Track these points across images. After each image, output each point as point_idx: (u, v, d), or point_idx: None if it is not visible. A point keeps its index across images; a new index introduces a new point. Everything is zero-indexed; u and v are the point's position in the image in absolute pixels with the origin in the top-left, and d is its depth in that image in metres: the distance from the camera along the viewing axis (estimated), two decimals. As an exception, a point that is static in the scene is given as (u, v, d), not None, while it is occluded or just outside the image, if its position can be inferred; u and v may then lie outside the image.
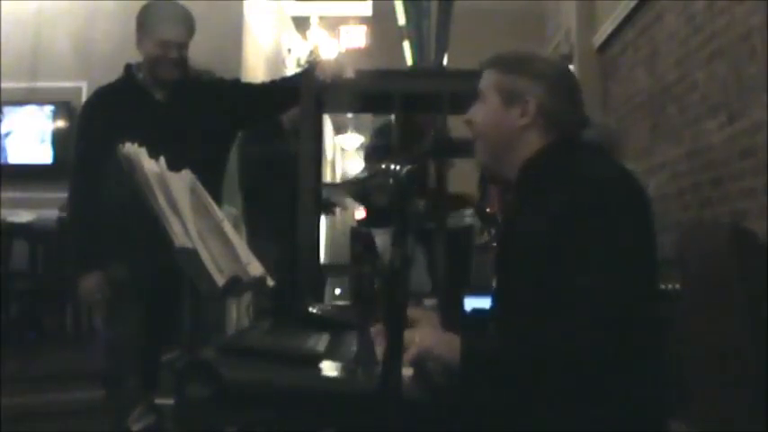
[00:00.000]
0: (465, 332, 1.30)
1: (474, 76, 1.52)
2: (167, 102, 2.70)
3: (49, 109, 6.25)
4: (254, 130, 3.98)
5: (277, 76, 9.23)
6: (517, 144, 1.44)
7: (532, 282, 1.32)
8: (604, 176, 1.34)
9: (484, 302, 1.61)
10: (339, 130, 13.30)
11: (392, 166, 1.25)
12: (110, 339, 2.64)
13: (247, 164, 3.92)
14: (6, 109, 6.11)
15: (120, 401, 2.74)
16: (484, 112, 1.47)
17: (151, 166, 1.56)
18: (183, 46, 2.67)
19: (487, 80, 1.48)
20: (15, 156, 6.13)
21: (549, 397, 1.25)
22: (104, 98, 2.71)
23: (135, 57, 2.85)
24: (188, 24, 2.69)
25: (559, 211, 1.28)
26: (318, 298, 2.98)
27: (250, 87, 3.16)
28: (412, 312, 1.31)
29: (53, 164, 5.96)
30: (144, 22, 2.65)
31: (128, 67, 2.74)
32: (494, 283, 1.48)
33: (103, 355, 2.71)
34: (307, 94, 3.27)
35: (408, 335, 1.21)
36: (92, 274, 2.53)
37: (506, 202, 1.53)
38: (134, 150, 1.54)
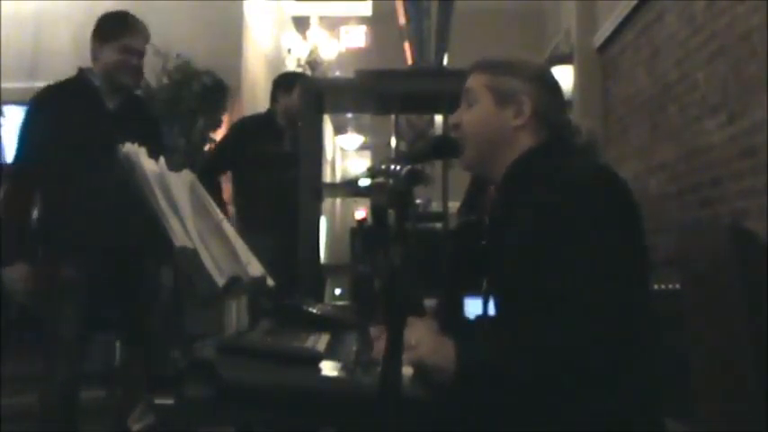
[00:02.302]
0: (459, 339, 1.28)
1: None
2: (118, 112, 2.78)
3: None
4: (246, 128, 3.97)
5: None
6: (508, 145, 1.43)
7: (521, 282, 1.31)
8: (589, 177, 1.33)
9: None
10: (339, 130, 13.30)
11: (392, 166, 1.25)
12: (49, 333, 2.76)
13: (240, 162, 3.86)
14: (6, 109, 6.11)
15: (123, 401, 2.78)
16: (475, 114, 1.45)
17: (151, 165, 1.56)
18: (142, 54, 2.81)
19: (477, 82, 1.47)
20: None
21: (546, 399, 1.24)
22: (54, 96, 2.77)
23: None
24: (147, 34, 2.82)
25: (545, 210, 1.28)
26: (318, 298, 2.98)
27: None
28: (410, 324, 1.28)
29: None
30: (105, 29, 2.77)
31: (82, 71, 2.81)
32: (484, 285, 1.48)
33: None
34: (307, 95, 3.27)
35: (404, 337, 1.19)
36: (15, 266, 2.63)
37: (492, 203, 1.52)
38: (134, 150, 1.54)
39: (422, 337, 1.29)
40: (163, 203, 1.49)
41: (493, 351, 1.27)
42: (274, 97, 3.92)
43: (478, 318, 1.58)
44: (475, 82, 1.47)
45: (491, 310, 1.48)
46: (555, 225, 1.26)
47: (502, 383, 1.25)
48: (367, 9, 8.96)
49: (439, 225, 3.50)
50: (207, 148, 6.47)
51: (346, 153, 15.00)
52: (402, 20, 4.49)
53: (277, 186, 3.60)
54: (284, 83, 3.92)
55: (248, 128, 3.96)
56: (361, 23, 9.34)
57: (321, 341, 1.47)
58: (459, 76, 1.54)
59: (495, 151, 1.45)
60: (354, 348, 1.47)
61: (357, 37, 9.40)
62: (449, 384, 1.23)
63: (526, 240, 1.30)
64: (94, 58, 2.76)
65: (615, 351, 1.23)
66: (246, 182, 3.82)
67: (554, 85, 1.49)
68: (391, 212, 1.20)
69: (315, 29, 9.07)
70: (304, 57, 9.02)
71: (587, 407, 1.24)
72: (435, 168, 3.68)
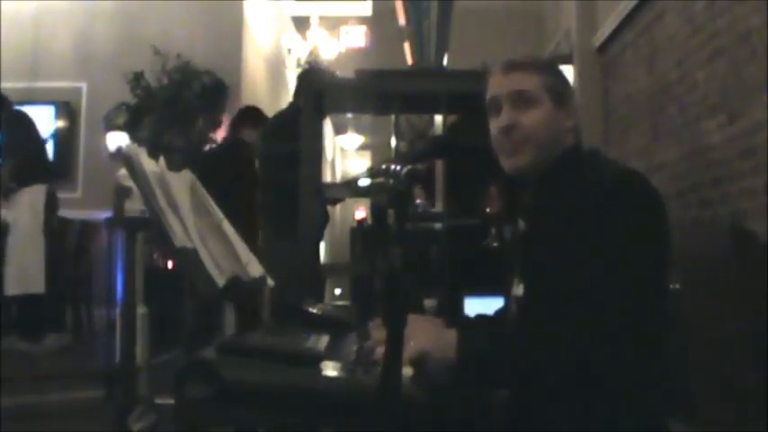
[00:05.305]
0: (461, 331, 1.28)
1: (474, 75, 1.50)
2: None
3: (49, 109, 6.26)
4: (273, 127, 3.98)
5: (277, 77, 9.25)
6: (558, 146, 1.41)
7: (555, 280, 1.30)
8: (632, 179, 1.33)
9: (485, 304, 1.61)
10: (339, 130, 13.30)
11: (392, 166, 1.25)
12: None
13: (269, 162, 3.83)
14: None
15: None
16: (538, 115, 1.39)
17: (151, 165, 1.56)
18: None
19: (533, 82, 1.40)
20: (15, 156, 6.13)
21: (549, 396, 1.25)
22: None
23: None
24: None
25: (581, 210, 1.28)
26: (318, 298, 2.99)
27: None
28: (412, 318, 1.28)
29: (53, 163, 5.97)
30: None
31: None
32: (515, 286, 1.46)
33: None
34: (307, 94, 3.27)
35: (405, 334, 1.19)
36: None
37: (528, 202, 1.49)
38: (134, 150, 1.54)
39: (423, 328, 1.30)
40: (163, 203, 1.49)
41: (494, 340, 1.28)
42: (299, 93, 3.89)
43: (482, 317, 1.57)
44: (530, 82, 1.40)
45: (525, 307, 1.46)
46: (599, 224, 1.26)
47: (501, 373, 1.25)
48: (367, 9, 8.97)
49: (439, 225, 3.50)
50: (206, 147, 6.48)
51: (346, 153, 15.00)
52: (402, 20, 4.49)
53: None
54: (311, 78, 3.91)
55: (281, 126, 3.95)
56: (361, 23, 9.34)
57: (321, 341, 1.47)
58: (458, 76, 1.54)
59: (549, 153, 1.40)
60: (354, 348, 1.47)
61: (357, 37, 9.40)
62: (450, 374, 1.23)
63: (568, 239, 1.28)
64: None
65: (629, 351, 1.23)
66: (274, 180, 3.78)
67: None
68: (391, 212, 1.19)
69: (315, 29, 9.08)
70: (304, 57, 9.02)
71: (590, 405, 1.24)
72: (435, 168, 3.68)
